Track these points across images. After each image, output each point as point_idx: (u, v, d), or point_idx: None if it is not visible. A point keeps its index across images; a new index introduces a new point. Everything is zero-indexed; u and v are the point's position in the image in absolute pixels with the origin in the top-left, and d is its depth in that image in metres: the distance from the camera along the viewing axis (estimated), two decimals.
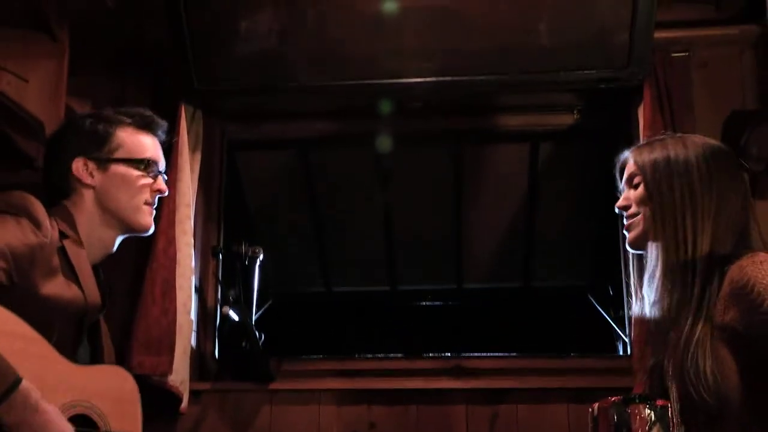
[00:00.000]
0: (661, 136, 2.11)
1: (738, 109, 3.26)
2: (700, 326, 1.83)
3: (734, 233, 1.93)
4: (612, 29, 3.07)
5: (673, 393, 1.88)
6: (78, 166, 2.16)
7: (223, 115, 3.63)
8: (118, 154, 2.20)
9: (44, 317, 1.87)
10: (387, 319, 4.62)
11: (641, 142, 2.15)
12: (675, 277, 1.92)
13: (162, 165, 2.31)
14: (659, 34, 3.15)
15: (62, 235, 2.04)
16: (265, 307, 3.45)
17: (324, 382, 3.35)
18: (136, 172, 2.21)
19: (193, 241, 3.26)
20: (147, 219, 2.24)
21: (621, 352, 3.84)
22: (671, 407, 1.80)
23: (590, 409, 2.00)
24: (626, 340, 3.65)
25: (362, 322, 4.58)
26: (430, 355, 3.54)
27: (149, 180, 2.23)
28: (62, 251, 2.02)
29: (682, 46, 3.37)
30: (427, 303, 4.69)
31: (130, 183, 2.19)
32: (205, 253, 3.49)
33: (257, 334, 3.21)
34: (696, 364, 1.80)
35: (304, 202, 4.19)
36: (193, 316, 3.27)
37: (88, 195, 2.17)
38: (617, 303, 3.98)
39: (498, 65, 3.19)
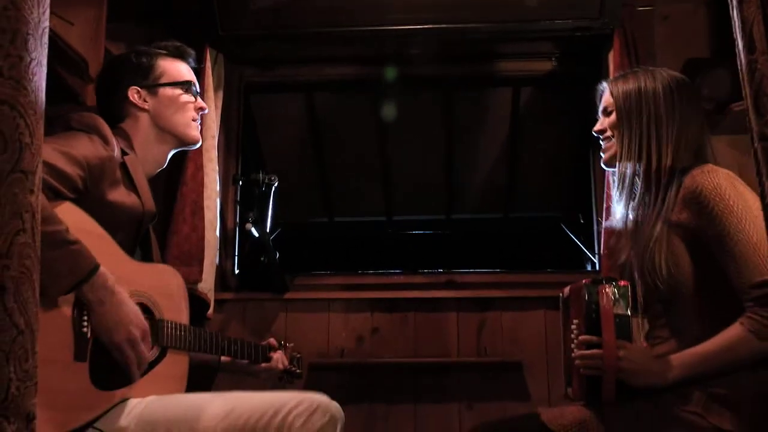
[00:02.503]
0: (635, 69, 2.29)
1: (693, 57, 3.46)
2: (659, 226, 2.04)
3: (692, 151, 2.12)
4: None
5: (639, 284, 2.08)
6: (132, 94, 2.34)
7: (241, 60, 3.77)
8: (164, 80, 2.39)
9: (110, 221, 2.05)
10: (383, 246, 4.81)
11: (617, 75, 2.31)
12: (645, 189, 2.13)
13: (198, 87, 2.50)
14: None
15: (123, 152, 2.22)
16: (276, 233, 3.61)
17: (333, 293, 3.56)
18: (180, 92, 2.40)
19: (217, 167, 3.43)
20: (195, 132, 2.44)
21: (589, 269, 4.04)
22: (631, 287, 2.02)
23: (560, 294, 2.22)
24: (594, 259, 3.88)
25: (361, 249, 4.77)
26: (425, 271, 3.72)
27: (192, 99, 2.43)
28: (123, 166, 2.20)
29: (646, 1, 3.55)
30: (419, 232, 4.86)
31: (177, 103, 2.39)
32: (226, 182, 3.65)
33: (274, 250, 3.40)
34: (652, 258, 2.01)
35: (311, 141, 4.34)
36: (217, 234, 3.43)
37: (143, 117, 2.35)
38: (587, 230, 4.15)
39: (487, 15, 3.36)
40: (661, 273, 1.99)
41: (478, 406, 3.36)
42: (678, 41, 3.54)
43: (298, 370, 2.82)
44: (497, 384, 3.38)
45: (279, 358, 2.68)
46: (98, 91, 2.47)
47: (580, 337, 2.02)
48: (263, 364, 2.64)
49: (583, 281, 2.05)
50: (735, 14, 1.24)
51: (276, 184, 3.41)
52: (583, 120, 3.94)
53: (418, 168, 4.48)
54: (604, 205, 3.28)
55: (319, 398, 2.04)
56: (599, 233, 3.68)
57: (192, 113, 2.42)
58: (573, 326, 2.08)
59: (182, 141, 2.42)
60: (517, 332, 3.45)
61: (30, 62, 1.21)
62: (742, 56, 1.23)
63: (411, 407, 3.37)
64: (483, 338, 3.45)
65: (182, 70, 2.45)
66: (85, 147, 2.05)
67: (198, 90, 2.49)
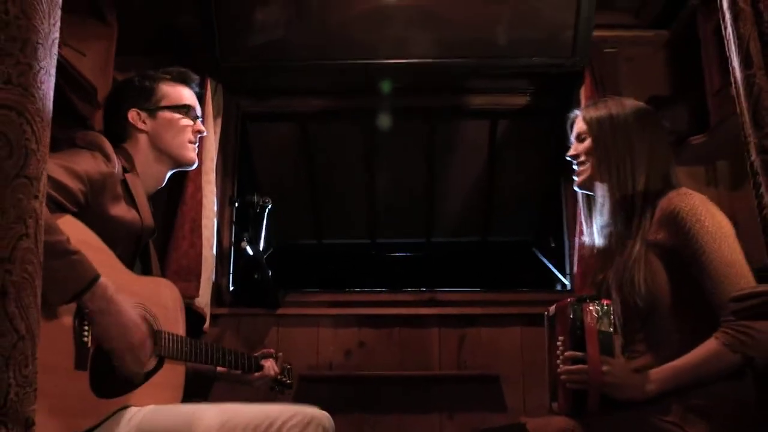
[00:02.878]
0: (604, 99, 2.25)
1: (654, 94, 3.43)
2: (637, 246, 2.00)
3: (662, 175, 2.09)
4: (560, 27, 3.24)
5: (616, 302, 2.02)
6: (133, 115, 2.27)
7: (239, 91, 3.68)
8: (163, 103, 2.31)
9: (110, 235, 1.96)
10: (368, 267, 4.72)
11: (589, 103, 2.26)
12: (619, 211, 2.09)
13: (199, 111, 2.41)
14: (594, 33, 3.30)
15: (124, 170, 2.13)
16: (268, 253, 3.52)
17: (322, 310, 3.45)
18: (178, 116, 2.31)
19: (215, 189, 3.33)
20: (191, 154, 2.34)
21: (559, 289, 4.02)
22: (614, 305, 1.96)
23: (545, 313, 2.16)
24: (564, 280, 3.82)
25: (347, 270, 4.68)
26: (409, 289, 3.63)
27: (190, 122, 2.34)
28: (124, 183, 2.11)
29: (611, 44, 3.54)
30: (401, 254, 4.78)
31: (175, 125, 2.30)
32: (223, 203, 3.56)
33: (267, 268, 3.30)
34: (631, 276, 1.97)
35: (302, 167, 4.25)
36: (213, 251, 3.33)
37: (142, 138, 2.27)
38: (557, 253, 4.12)
39: (469, 52, 3.30)
40: (639, 290, 1.95)
41: (458, 417, 3.26)
42: (641, 80, 3.52)
43: (288, 381, 2.71)
44: (476, 396, 3.29)
45: (270, 366, 2.58)
46: (105, 112, 2.40)
47: (566, 353, 1.95)
48: (256, 374, 2.53)
49: (569, 300, 1.99)
50: (730, 31, 1.18)
51: (270, 206, 3.33)
52: (555, 150, 3.90)
53: (401, 193, 4.42)
54: (576, 229, 3.22)
55: (313, 411, 1.95)
56: (571, 255, 3.62)
57: (189, 135, 2.33)
58: (558, 343, 2.01)
59: (178, 162, 2.33)
60: (495, 347, 3.37)
61: (39, 71, 1.14)
62: (738, 72, 1.16)
63: (396, 417, 3.27)
64: (463, 352, 3.36)
65: (183, 94, 2.37)
66: (87, 163, 1.97)
67: (198, 114, 2.40)
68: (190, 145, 2.34)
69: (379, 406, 3.29)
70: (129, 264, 2.06)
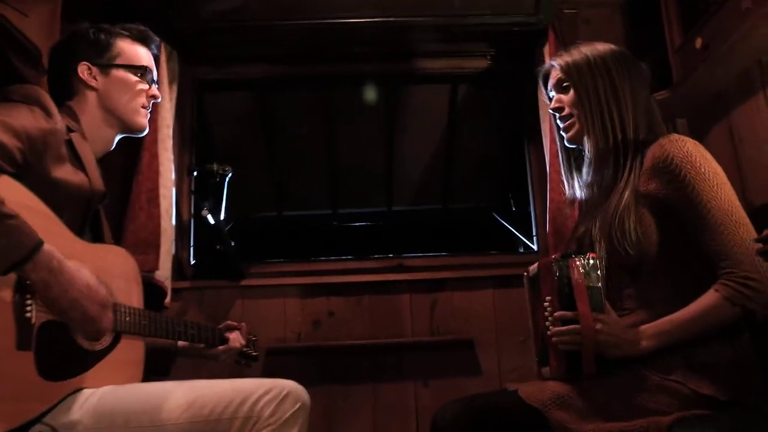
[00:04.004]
0: (575, 45, 1.99)
1: None
2: (626, 195, 1.77)
3: (647, 120, 1.87)
4: None
5: (602, 252, 1.79)
6: (83, 69, 1.92)
7: (195, 58, 3.35)
8: (119, 61, 1.97)
9: (56, 199, 1.63)
10: (329, 239, 4.41)
11: (561, 53, 2.00)
12: (608, 161, 1.85)
13: (155, 75, 2.07)
14: None
15: (69, 129, 1.80)
16: (228, 227, 3.21)
17: (288, 280, 3.17)
18: (134, 78, 1.97)
19: (173, 157, 3.00)
20: (143, 120, 2.01)
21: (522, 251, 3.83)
22: (600, 258, 1.73)
23: (525, 273, 1.90)
24: (529, 243, 3.60)
25: (309, 241, 4.36)
26: (376, 256, 3.36)
27: (145, 86, 2.00)
28: (69, 143, 1.77)
29: (571, 5, 3.35)
30: (362, 224, 4.49)
31: (129, 87, 1.96)
32: (181, 173, 3.23)
33: (229, 238, 2.99)
34: (622, 224, 1.74)
35: (260, 137, 3.93)
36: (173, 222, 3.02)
37: (91, 96, 1.93)
38: (520, 217, 3.92)
39: (429, 11, 3.07)
40: (630, 238, 1.72)
41: (433, 384, 3.02)
42: (599, 41, 3.31)
43: (254, 353, 2.40)
44: (450, 361, 3.06)
45: (236, 338, 2.25)
46: (49, 63, 2.02)
47: (555, 314, 1.71)
48: (221, 347, 2.21)
49: (552, 256, 1.75)
50: None
51: (230, 175, 3.02)
52: (516, 113, 3.73)
53: (361, 162, 4.12)
54: (548, 187, 3.00)
55: (288, 384, 1.67)
56: (537, 216, 3.41)
57: (143, 100, 2.00)
58: (546, 303, 1.75)
59: (128, 126, 1.99)
60: (468, 311, 3.14)
61: None
62: None
63: (370, 386, 3.01)
64: (435, 318, 3.12)
65: (141, 54, 2.02)
66: (25, 118, 1.63)
67: (155, 78, 2.07)
68: (143, 110, 2.00)
69: (351, 377, 3.03)
70: (78, 231, 1.73)
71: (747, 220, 1.66)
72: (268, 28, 3.07)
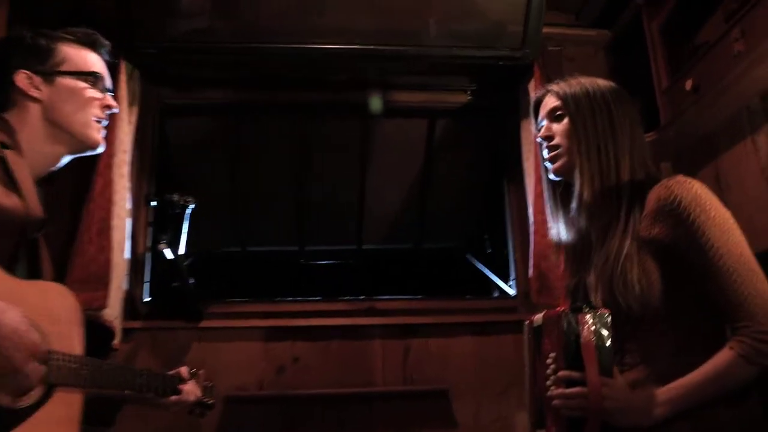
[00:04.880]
0: (574, 76, 1.83)
1: None
2: (627, 242, 1.59)
3: (643, 161, 1.70)
4: (509, 19, 2.94)
5: (598, 304, 1.61)
6: (21, 78, 1.66)
7: (159, 80, 3.14)
8: (65, 67, 1.72)
9: None
10: (296, 276, 4.17)
11: (557, 81, 1.84)
12: (600, 202, 1.67)
13: (109, 83, 1.81)
14: None
15: (2, 146, 1.55)
16: (188, 262, 2.97)
17: (250, 322, 2.94)
18: (84, 85, 1.72)
19: (129, 185, 2.75)
20: (96, 135, 1.74)
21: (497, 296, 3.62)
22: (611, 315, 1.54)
23: (527, 322, 1.70)
24: (503, 287, 3.43)
25: (274, 279, 4.10)
26: (346, 297, 3.14)
27: (98, 95, 1.75)
28: (2, 161, 1.53)
29: (555, 42, 3.29)
30: (331, 261, 4.26)
31: (78, 96, 1.71)
32: (138, 203, 2.98)
33: (188, 275, 2.75)
34: (624, 275, 1.55)
35: (226, 167, 3.69)
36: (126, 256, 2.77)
37: (34, 108, 1.67)
38: (495, 259, 3.75)
39: (411, 41, 2.90)
40: (633, 291, 1.53)
41: None
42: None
43: (210, 401, 2.15)
44: (424, 413, 2.85)
45: (191, 390, 2.00)
46: None
47: (560, 373, 1.51)
48: (173, 397, 1.95)
49: (561, 309, 1.56)
50: None
51: (192, 206, 2.78)
52: (495, 151, 3.61)
53: (332, 197, 3.89)
54: (531, 228, 2.82)
55: None
56: (516, 259, 3.23)
57: (95, 110, 1.74)
58: (549, 360, 1.55)
59: (79, 142, 1.72)
60: (443, 359, 2.94)
61: None
62: None
63: None
64: (409, 366, 2.91)
65: (91, 59, 1.77)
66: None
67: (108, 86, 1.80)
68: (95, 124, 1.74)
69: (317, 429, 2.80)
70: (8, 265, 1.48)
71: (759, 269, 1.49)
72: (237, 51, 2.86)
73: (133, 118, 2.84)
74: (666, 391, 1.48)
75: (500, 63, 3.00)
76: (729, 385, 1.46)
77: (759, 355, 1.43)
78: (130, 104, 2.83)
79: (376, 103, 3.34)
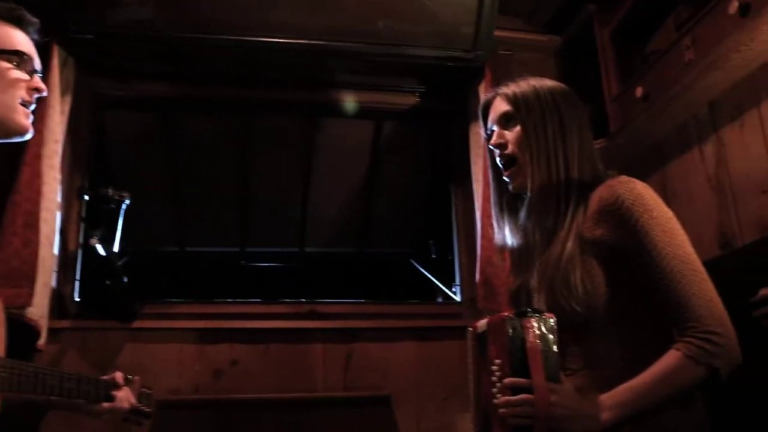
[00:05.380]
0: (523, 78, 1.78)
1: None
2: (570, 244, 1.55)
3: (591, 162, 1.67)
4: (461, 21, 2.89)
5: (542, 307, 1.57)
6: None
7: (95, 69, 2.98)
8: None
9: None
10: (236, 278, 4.06)
11: (507, 83, 1.80)
12: (548, 206, 1.63)
13: (37, 64, 1.66)
14: None
15: None
16: (123, 261, 2.84)
17: (186, 323, 2.81)
18: (8, 66, 1.56)
19: (60, 176, 2.61)
20: (22, 120, 1.58)
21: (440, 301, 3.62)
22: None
23: (470, 329, 1.64)
24: (448, 292, 3.40)
25: (213, 280, 3.98)
26: (287, 300, 3.05)
27: (24, 76, 1.59)
28: None
29: (506, 47, 3.26)
30: (271, 264, 4.16)
31: (3, 77, 1.55)
32: (70, 197, 2.83)
33: (122, 273, 2.62)
34: (567, 278, 1.52)
35: (164, 164, 3.57)
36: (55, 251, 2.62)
37: None
38: (440, 264, 3.72)
39: (359, 39, 2.84)
40: (577, 293, 1.50)
41: None
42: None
43: (147, 409, 2.03)
44: (365, 420, 2.75)
45: (125, 397, 1.88)
46: None
47: (506, 381, 1.43)
48: (105, 404, 1.83)
49: (505, 314, 1.48)
50: None
51: (127, 202, 2.66)
52: (442, 155, 3.56)
53: (275, 197, 3.81)
54: (479, 233, 2.79)
55: None
56: (462, 265, 3.19)
57: (21, 93, 1.58)
58: (494, 367, 1.49)
59: (4, 128, 1.57)
60: (386, 364, 2.88)
61: None
62: None
63: None
64: (350, 371, 2.84)
65: (16, 38, 1.61)
66: None
67: (37, 68, 1.65)
68: (22, 108, 1.59)
69: None
70: None
71: (703, 269, 1.46)
72: (179, 43, 2.75)
73: (66, 108, 2.70)
74: (613, 396, 1.44)
75: (451, 64, 2.96)
76: (677, 387, 1.42)
77: (706, 356, 1.39)
78: (63, 93, 2.68)
79: (349, 105, 3.27)
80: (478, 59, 2.95)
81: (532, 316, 1.46)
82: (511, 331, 1.45)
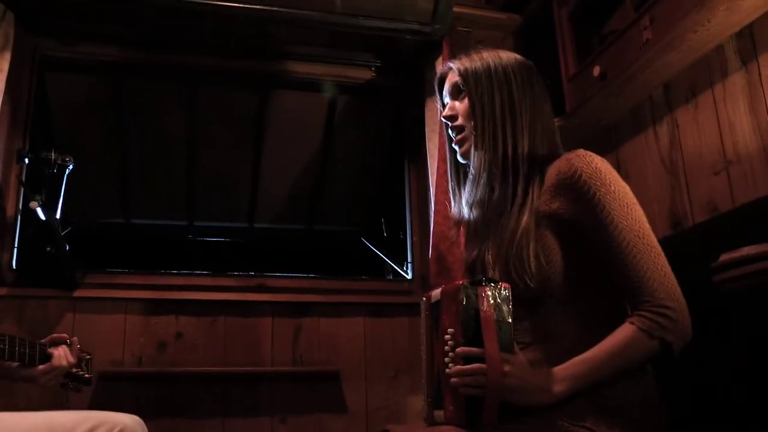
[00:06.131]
0: (477, 51, 1.77)
1: None
2: (525, 218, 1.55)
3: (548, 136, 1.67)
4: None
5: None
6: None
7: (37, 28, 2.89)
8: None
9: None
10: (183, 253, 3.98)
11: (461, 57, 1.80)
12: (496, 179, 1.63)
13: None
14: None
15: None
16: (65, 232, 2.75)
17: (130, 293, 2.75)
18: None
19: None
20: None
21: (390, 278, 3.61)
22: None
23: (423, 299, 1.62)
24: (399, 270, 3.40)
25: (160, 254, 3.89)
26: (235, 273, 2.99)
27: None
28: None
29: (465, 24, 3.24)
30: (221, 239, 4.09)
31: None
32: (9, 159, 2.72)
33: (63, 239, 2.54)
34: (520, 252, 1.52)
35: (111, 131, 3.46)
36: None
37: None
38: (392, 242, 3.72)
39: (314, 6, 2.78)
40: (530, 268, 1.50)
41: (292, 420, 2.70)
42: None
43: (87, 375, 1.97)
44: (313, 395, 2.75)
45: (63, 355, 1.81)
46: None
47: (458, 350, 1.41)
48: (41, 366, 1.77)
49: (460, 282, 1.46)
50: None
51: (71, 167, 2.58)
52: (396, 132, 3.53)
53: (225, 171, 3.73)
54: (432, 209, 2.78)
55: (122, 419, 1.28)
56: (414, 242, 3.19)
57: None
58: (447, 336, 1.47)
59: None
60: (335, 340, 2.86)
61: None
62: None
63: (219, 421, 2.64)
64: (299, 346, 2.81)
65: None
66: None
67: None
68: None
69: (199, 410, 2.65)
70: None
71: (657, 244, 1.48)
72: (126, 3, 2.67)
73: (5, 65, 2.57)
74: (566, 368, 1.44)
75: (409, 37, 2.94)
76: (630, 360, 1.43)
77: (659, 329, 1.40)
78: (2, 49, 2.57)
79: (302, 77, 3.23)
80: (436, 33, 2.93)
81: (486, 286, 1.44)
82: (464, 299, 1.43)
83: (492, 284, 1.45)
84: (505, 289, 1.45)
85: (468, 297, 1.43)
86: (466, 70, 1.70)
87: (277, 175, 3.81)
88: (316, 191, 3.91)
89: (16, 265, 2.73)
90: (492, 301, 1.43)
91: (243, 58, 3.18)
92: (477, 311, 1.42)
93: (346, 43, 3.17)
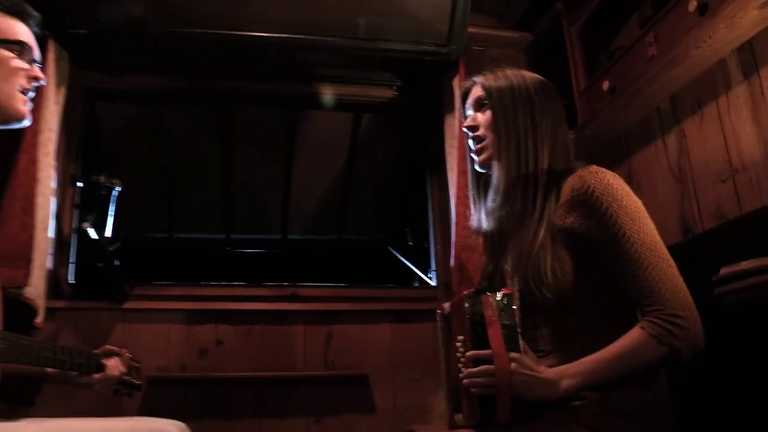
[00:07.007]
0: (501, 68, 1.85)
1: None
2: (542, 232, 1.61)
3: (564, 153, 1.72)
4: (435, 17, 2.99)
5: (515, 290, 1.61)
6: None
7: (88, 63, 3.05)
8: None
9: None
10: (222, 264, 4.12)
11: (485, 73, 1.87)
12: (517, 191, 1.69)
13: (37, 54, 1.72)
14: None
15: None
16: (115, 247, 2.90)
17: (174, 304, 2.88)
18: (10, 55, 1.63)
19: (55, 163, 2.67)
20: (21, 107, 1.64)
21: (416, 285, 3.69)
22: (514, 294, 1.57)
23: (438, 311, 1.71)
24: (425, 278, 3.49)
25: (200, 265, 4.04)
26: (270, 283, 3.12)
27: (25, 65, 1.65)
28: None
29: (479, 43, 3.34)
30: (255, 251, 4.22)
31: (4, 66, 1.61)
32: (64, 184, 2.89)
33: (113, 256, 2.68)
34: (537, 265, 1.57)
35: (154, 154, 3.62)
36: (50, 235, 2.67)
37: None
38: (416, 251, 3.80)
39: (338, 34, 2.92)
40: (547, 280, 1.55)
41: (325, 421, 2.80)
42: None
43: (137, 381, 2.09)
44: (344, 397, 2.85)
45: (115, 365, 1.94)
46: None
47: (467, 354, 1.50)
48: (96, 375, 1.90)
49: (464, 293, 1.55)
50: None
51: (119, 189, 2.72)
52: (418, 146, 3.63)
53: (259, 187, 3.87)
54: (453, 219, 2.86)
55: (164, 426, 1.38)
56: (437, 251, 3.28)
57: (20, 81, 1.64)
58: (458, 344, 1.56)
59: (4, 115, 1.63)
60: (364, 345, 2.96)
61: None
62: None
63: (256, 423, 2.75)
64: (330, 351, 2.92)
65: (17, 28, 1.67)
66: None
67: (36, 58, 1.71)
68: (21, 96, 1.65)
69: (237, 412, 2.76)
70: None
71: (669, 255, 1.53)
72: (167, 38, 2.81)
73: (61, 99, 2.76)
74: (576, 365, 1.49)
75: (427, 58, 3.05)
76: (638, 363, 1.47)
77: (669, 336, 1.44)
78: (58, 84, 2.74)
79: (329, 97, 3.35)
80: (452, 54, 3.03)
81: (489, 294, 1.53)
82: (469, 308, 1.52)
83: (494, 291, 1.54)
84: (506, 295, 1.53)
85: (472, 305, 1.52)
86: (490, 84, 1.78)
87: (308, 188, 3.94)
88: (343, 203, 4.02)
89: (72, 281, 2.89)
90: (495, 307, 1.51)
91: (275, 81, 3.31)
92: (482, 317, 1.51)
93: (369, 66, 3.28)
